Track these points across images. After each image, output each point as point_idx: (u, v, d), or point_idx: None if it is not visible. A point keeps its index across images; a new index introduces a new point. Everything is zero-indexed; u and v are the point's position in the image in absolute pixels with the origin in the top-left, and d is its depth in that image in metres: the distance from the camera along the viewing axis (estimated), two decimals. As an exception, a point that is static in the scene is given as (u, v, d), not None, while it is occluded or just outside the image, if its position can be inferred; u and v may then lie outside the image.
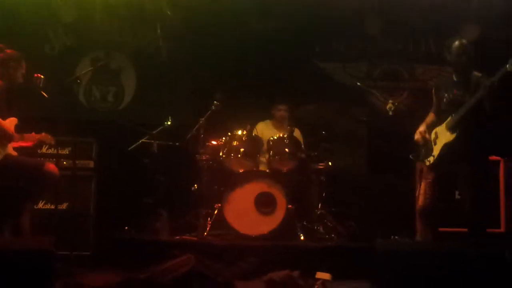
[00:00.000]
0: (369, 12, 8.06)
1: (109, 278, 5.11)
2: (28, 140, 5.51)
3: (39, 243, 3.96)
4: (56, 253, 4.12)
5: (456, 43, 5.22)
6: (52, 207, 6.10)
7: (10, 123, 5.36)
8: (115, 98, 8.05)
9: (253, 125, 7.01)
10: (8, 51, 5.44)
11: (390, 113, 6.07)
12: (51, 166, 5.39)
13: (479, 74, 5.15)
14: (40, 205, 6.10)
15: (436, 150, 5.18)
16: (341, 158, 7.44)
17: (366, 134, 7.88)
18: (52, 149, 6.19)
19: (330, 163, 6.81)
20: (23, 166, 5.34)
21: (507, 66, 4.77)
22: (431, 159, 5.22)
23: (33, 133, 5.55)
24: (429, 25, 8.17)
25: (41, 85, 5.46)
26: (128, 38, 8.08)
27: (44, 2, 7.70)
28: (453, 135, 5.05)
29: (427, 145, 5.31)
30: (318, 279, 5.01)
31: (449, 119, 5.11)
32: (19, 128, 5.45)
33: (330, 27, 8.16)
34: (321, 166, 6.80)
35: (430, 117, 5.52)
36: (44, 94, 5.54)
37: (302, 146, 6.77)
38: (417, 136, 5.44)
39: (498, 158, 6.31)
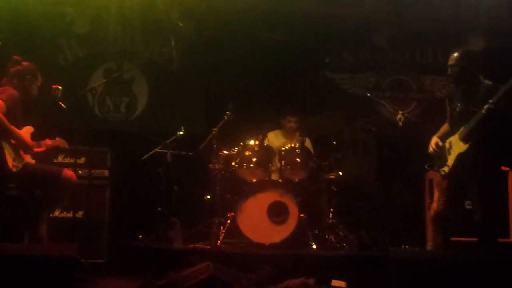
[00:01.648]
0: (377, 23, 8.17)
1: (125, 285, 5.19)
2: (43, 146, 5.60)
3: (63, 250, 4.00)
4: (79, 260, 4.17)
5: (453, 55, 5.34)
6: (68, 215, 6.19)
7: (26, 132, 5.44)
8: (127, 109, 8.16)
9: (264, 135, 7.06)
10: (25, 63, 5.50)
11: (400, 123, 6.12)
12: (69, 173, 5.45)
13: (490, 83, 5.21)
14: (57, 213, 6.18)
15: (450, 160, 5.22)
16: (351, 168, 7.52)
17: (375, 144, 7.96)
18: (68, 158, 6.29)
19: (340, 173, 6.84)
20: (41, 174, 5.41)
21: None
22: (446, 168, 5.26)
23: (47, 139, 5.66)
24: (436, 36, 8.29)
25: (59, 96, 5.55)
26: (141, 49, 8.24)
27: (58, 14, 7.85)
28: (466, 145, 5.10)
29: (442, 155, 5.36)
30: (334, 286, 5.08)
31: (462, 129, 5.16)
32: (35, 136, 5.53)
33: (339, 38, 8.29)
34: (331, 175, 6.85)
35: (445, 127, 5.58)
36: (62, 105, 5.61)
37: (313, 156, 6.86)
38: (430, 149, 5.51)
39: (507, 168, 6.39)
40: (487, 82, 5.23)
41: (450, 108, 5.49)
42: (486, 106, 4.97)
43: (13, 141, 5.20)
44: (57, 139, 5.74)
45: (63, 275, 3.91)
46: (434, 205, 5.41)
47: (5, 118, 5.05)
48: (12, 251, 4.08)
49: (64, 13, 7.87)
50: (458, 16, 7.85)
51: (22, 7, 7.52)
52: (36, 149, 5.53)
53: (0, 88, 5.29)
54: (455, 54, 5.34)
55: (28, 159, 5.43)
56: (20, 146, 5.28)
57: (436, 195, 5.44)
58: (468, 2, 7.74)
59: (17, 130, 5.24)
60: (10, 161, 5.14)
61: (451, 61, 5.34)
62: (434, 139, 5.50)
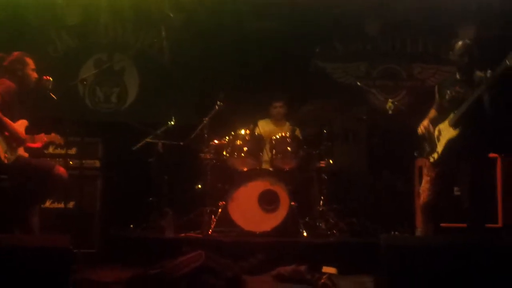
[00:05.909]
0: (368, 12, 8.18)
1: (118, 274, 5.20)
2: (38, 141, 5.62)
3: (57, 241, 4.01)
4: (73, 251, 4.18)
5: (460, 43, 5.32)
6: (60, 206, 6.20)
7: (21, 125, 5.44)
8: (118, 99, 8.16)
9: (255, 124, 7.05)
10: (9, 57, 5.47)
11: (390, 112, 6.16)
12: (60, 169, 5.46)
13: (482, 74, 5.24)
14: (48, 204, 6.18)
15: (440, 147, 5.25)
16: (341, 156, 7.54)
17: (366, 132, 7.98)
18: (60, 149, 6.29)
19: (331, 161, 6.89)
20: (33, 168, 5.42)
21: (507, 60, 4.88)
22: (435, 155, 5.29)
23: (43, 134, 5.67)
24: (426, 25, 8.31)
25: (50, 87, 5.55)
26: (131, 40, 8.23)
27: (48, 5, 7.82)
28: (456, 131, 5.13)
29: (431, 142, 5.39)
30: (325, 273, 5.12)
31: (451, 115, 5.19)
32: (29, 129, 5.54)
33: (330, 28, 8.28)
34: (322, 164, 6.89)
35: (432, 113, 5.60)
36: (53, 96, 5.61)
37: (303, 144, 6.87)
38: (420, 129, 5.53)
39: (495, 154, 6.45)
40: (479, 72, 5.27)
41: (439, 95, 5.51)
42: (475, 93, 5.00)
43: (6, 133, 5.20)
44: (53, 134, 5.76)
45: (58, 266, 3.90)
46: (424, 195, 5.44)
47: None
48: (6, 242, 4.08)
49: (54, 5, 7.83)
50: (449, 5, 7.86)
51: (12, -2, 7.51)
52: (32, 145, 5.56)
53: None
54: (464, 43, 5.33)
55: (22, 152, 5.44)
56: (13, 139, 5.28)
57: (425, 184, 5.47)
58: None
59: (11, 122, 5.24)
60: (1, 152, 5.14)
61: (460, 50, 5.31)
62: (425, 122, 5.53)
